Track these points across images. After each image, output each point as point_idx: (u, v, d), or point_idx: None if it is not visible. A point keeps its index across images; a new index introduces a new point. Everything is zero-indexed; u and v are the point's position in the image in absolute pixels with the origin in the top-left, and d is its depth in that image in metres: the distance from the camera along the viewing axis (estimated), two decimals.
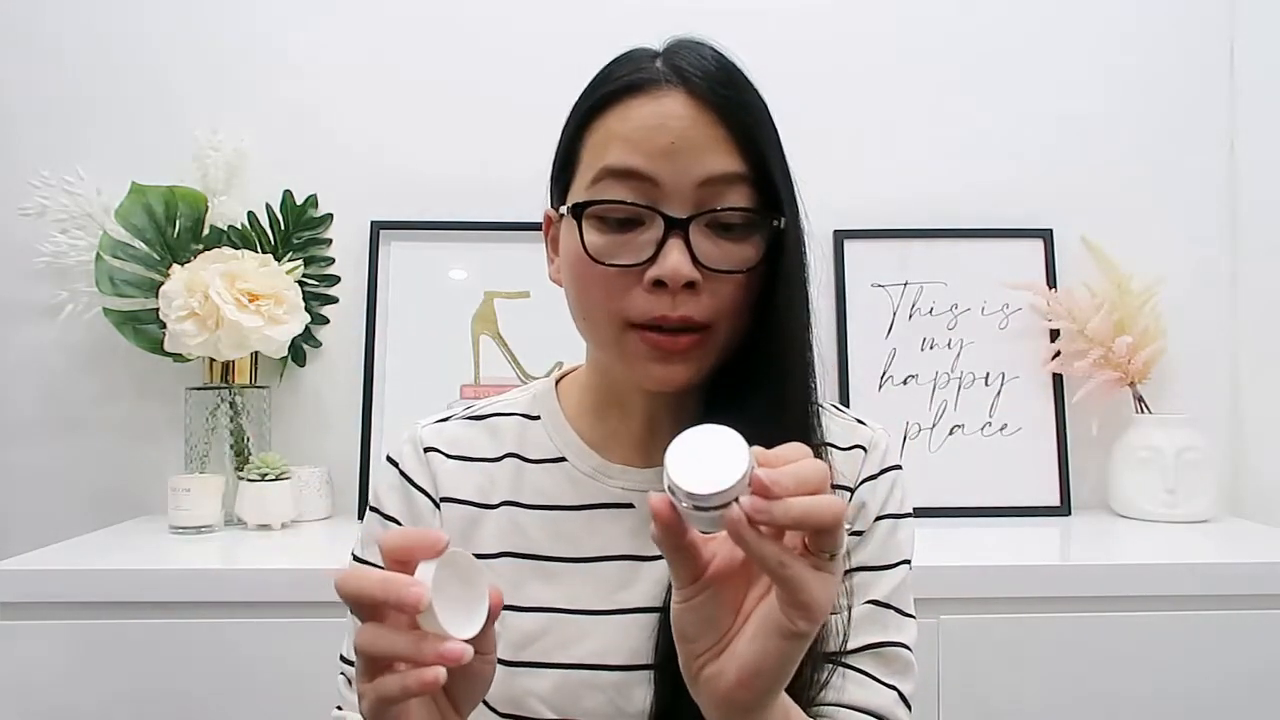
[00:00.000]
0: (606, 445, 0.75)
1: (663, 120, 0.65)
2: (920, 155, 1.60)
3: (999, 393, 1.54)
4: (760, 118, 0.68)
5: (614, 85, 0.68)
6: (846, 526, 0.73)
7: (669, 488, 0.50)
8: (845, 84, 1.60)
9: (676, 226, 0.65)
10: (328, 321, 1.57)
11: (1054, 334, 1.54)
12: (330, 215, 1.58)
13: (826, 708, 0.68)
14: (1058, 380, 1.54)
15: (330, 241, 1.58)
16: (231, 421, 1.48)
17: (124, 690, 1.13)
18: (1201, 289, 1.58)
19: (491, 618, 0.55)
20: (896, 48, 1.61)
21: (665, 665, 0.64)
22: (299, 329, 1.44)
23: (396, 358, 1.54)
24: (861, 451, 0.76)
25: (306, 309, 1.47)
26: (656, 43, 0.70)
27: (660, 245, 0.65)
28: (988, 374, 1.54)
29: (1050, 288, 1.54)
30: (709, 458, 0.48)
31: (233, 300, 1.36)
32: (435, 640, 0.51)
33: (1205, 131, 1.60)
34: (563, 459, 0.76)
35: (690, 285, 0.65)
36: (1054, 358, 1.54)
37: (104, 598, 1.13)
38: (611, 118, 0.67)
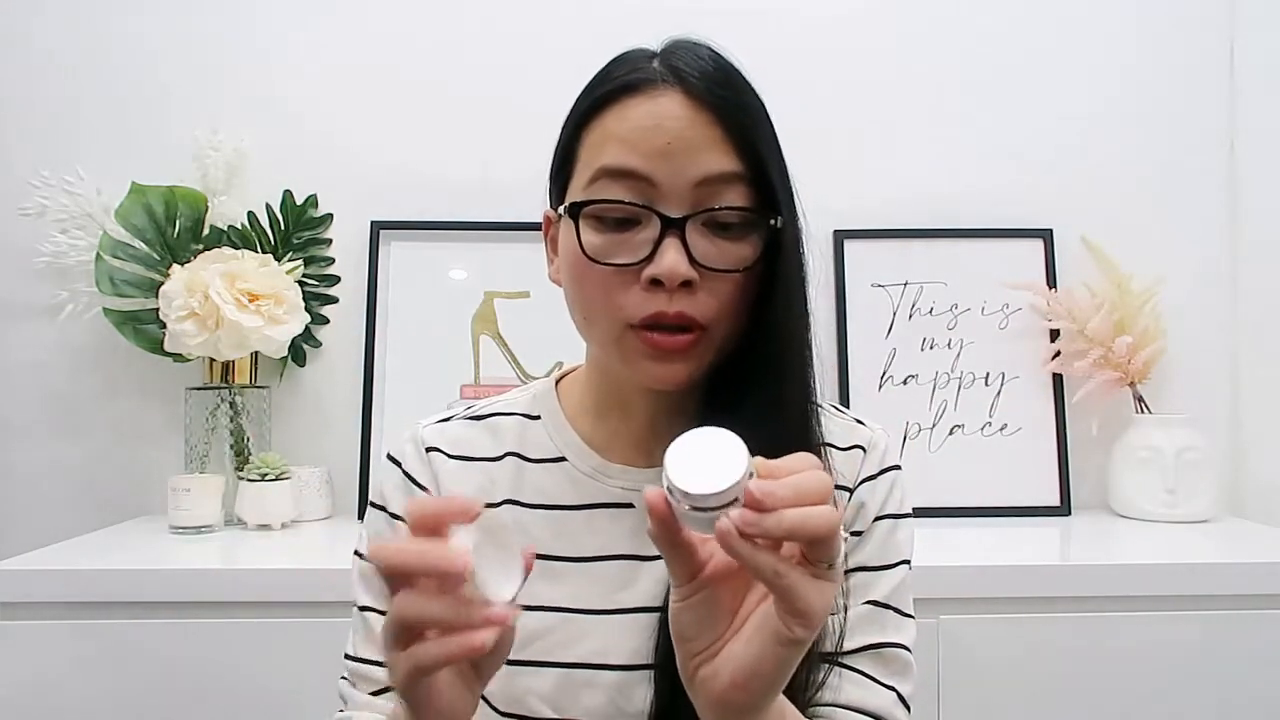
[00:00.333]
0: (607, 445, 0.76)
1: (659, 120, 0.65)
2: (920, 155, 1.60)
3: (999, 393, 1.54)
4: (757, 117, 0.69)
5: (611, 85, 0.68)
6: (844, 534, 0.74)
7: (666, 486, 0.50)
8: (845, 84, 1.60)
9: (673, 226, 0.65)
10: (328, 321, 1.57)
11: (1054, 334, 1.54)
12: (330, 215, 1.58)
13: (825, 708, 0.68)
14: (1058, 380, 1.54)
15: (330, 241, 1.58)
16: (231, 421, 1.48)
17: (124, 690, 1.13)
18: (1201, 289, 1.58)
19: (525, 576, 0.54)
20: (897, 48, 1.61)
21: (665, 665, 0.64)
22: (299, 329, 1.44)
23: (396, 358, 1.54)
24: (861, 451, 0.76)
25: (306, 309, 1.47)
26: (655, 43, 0.71)
27: (657, 244, 0.65)
28: (988, 374, 1.54)
29: (1050, 288, 1.54)
30: (708, 460, 0.49)
31: (233, 300, 1.36)
32: (480, 605, 0.50)
33: (1205, 131, 1.60)
34: (563, 459, 0.76)
35: (687, 284, 0.65)
36: (1054, 358, 1.54)
37: (104, 598, 1.14)
38: (609, 118, 0.68)
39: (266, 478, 1.38)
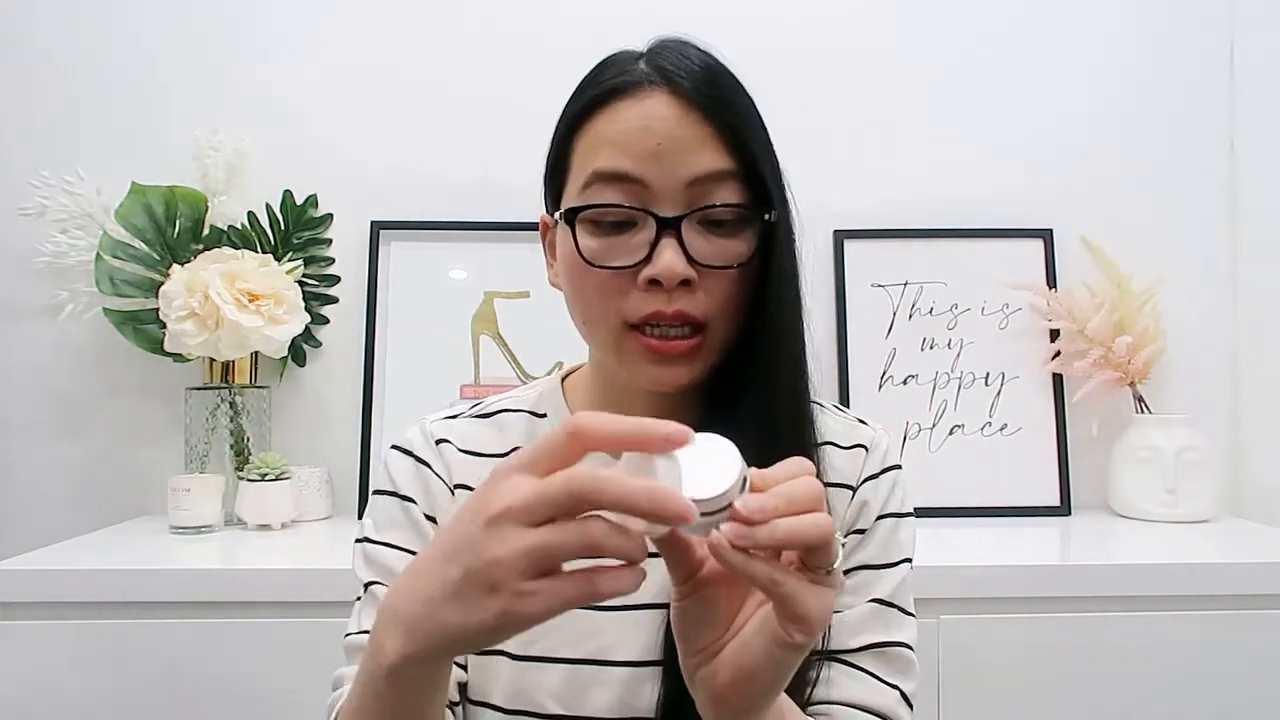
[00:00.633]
0: None
1: (648, 122, 0.66)
2: (920, 155, 1.60)
3: (999, 393, 1.54)
4: (746, 114, 0.69)
5: (599, 89, 0.68)
6: (842, 536, 0.74)
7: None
8: (845, 85, 1.60)
9: (668, 226, 0.66)
10: (328, 321, 1.57)
11: (1054, 334, 1.55)
12: (330, 215, 1.58)
13: (828, 705, 0.69)
14: (1058, 380, 1.54)
15: (330, 241, 1.58)
16: (231, 421, 1.48)
17: (124, 690, 1.13)
18: (1201, 289, 1.59)
19: None
20: (897, 49, 1.61)
21: (673, 662, 0.64)
22: (299, 329, 1.44)
23: (396, 358, 1.54)
24: (863, 451, 0.76)
25: (306, 309, 1.47)
26: (642, 44, 0.71)
27: (653, 245, 0.66)
28: (988, 374, 1.54)
29: (1050, 288, 1.54)
30: (700, 466, 0.48)
31: (233, 300, 1.36)
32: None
33: (1205, 131, 1.60)
34: None
35: (685, 283, 0.66)
36: (1054, 358, 1.54)
37: (104, 598, 1.14)
38: (599, 121, 0.68)
39: (266, 478, 1.38)
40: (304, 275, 1.53)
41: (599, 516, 0.45)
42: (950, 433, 1.53)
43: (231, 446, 1.48)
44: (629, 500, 0.44)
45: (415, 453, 0.77)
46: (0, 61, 1.57)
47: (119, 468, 1.55)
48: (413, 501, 0.75)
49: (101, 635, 1.13)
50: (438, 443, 0.77)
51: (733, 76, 0.70)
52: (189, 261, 1.43)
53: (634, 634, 0.71)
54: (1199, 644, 1.15)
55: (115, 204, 1.48)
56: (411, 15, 1.59)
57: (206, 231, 1.52)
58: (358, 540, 0.76)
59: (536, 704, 0.70)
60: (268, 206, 1.55)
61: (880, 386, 1.54)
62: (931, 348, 1.55)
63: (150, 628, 1.13)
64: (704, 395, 0.72)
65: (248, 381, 1.49)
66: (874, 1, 1.61)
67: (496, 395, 0.82)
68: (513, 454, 0.47)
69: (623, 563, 0.45)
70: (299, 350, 1.55)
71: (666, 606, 0.69)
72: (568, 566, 0.46)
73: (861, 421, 0.79)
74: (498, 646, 0.72)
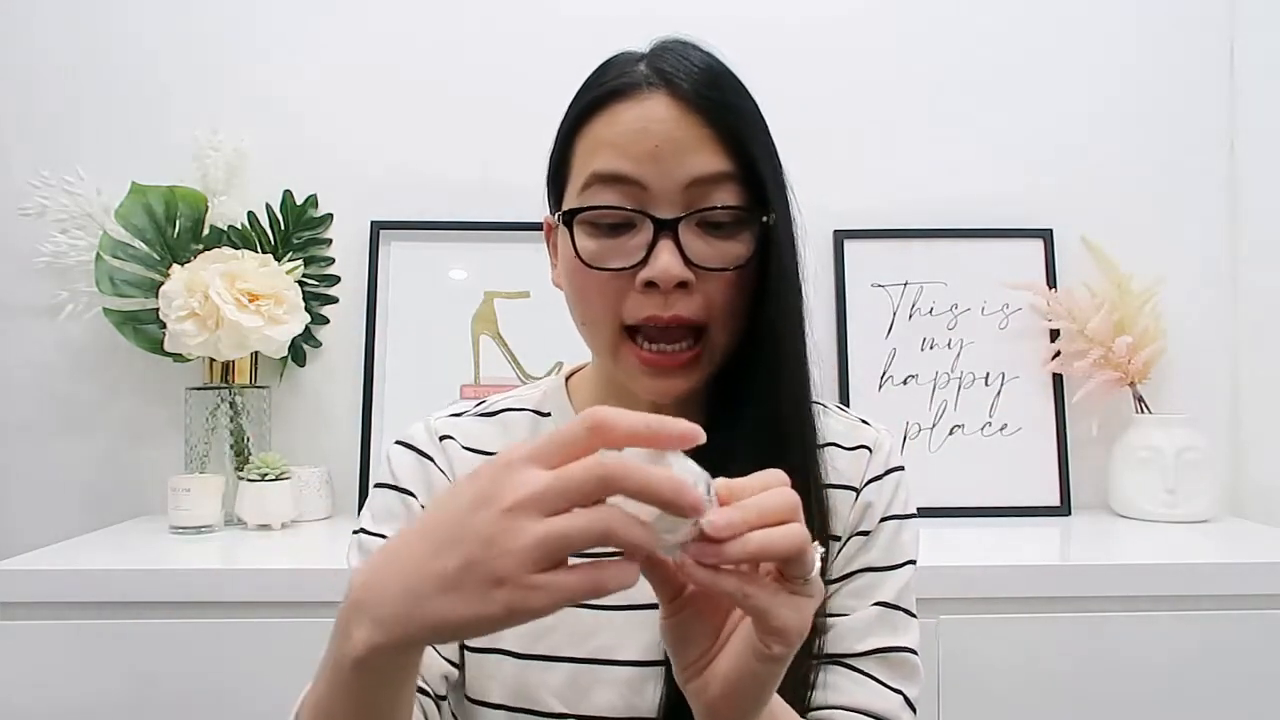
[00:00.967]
0: None
1: (646, 124, 0.66)
2: (920, 155, 1.60)
3: (999, 393, 1.54)
4: (745, 115, 0.69)
5: (599, 91, 0.69)
6: (828, 546, 0.74)
7: None
8: (845, 85, 1.60)
9: (666, 228, 0.66)
10: (328, 321, 1.57)
11: (1054, 334, 1.54)
12: (330, 215, 1.58)
13: (833, 711, 0.69)
14: (1058, 380, 1.54)
15: (330, 241, 1.58)
16: (231, 421, 1.48)
17: (124, 690, 1.13)
18: (1201, 289, 1.58)
19: None
20: (897, 49, 1.61)
21: None
22: (299, 329, 1.44)
23: (396, 358, 1.54)
24: (866, 452, 0.76)
25: (306, 309, 1.47)
26: (644, 45, 0.71)
27: (651, 247, 0.66)
28: (988, 374, 1.54)
29: (1050, 288, 1.54)
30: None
31: (233, 300, 1.36)
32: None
33: (1205, 131, 1.60)
34: None
35: (683, 285, 0.66)
36: (1054, 358, 1.54)
37: (104, 598, 1.13)
38: (598, 124, 0.68)
39: (266, 478, 1.38)
40: (304, 275, 1.53)
41: (614, 506, 0.44)
42: (950, 433, 1.53)
43: (231, 446, 1.48)
44: (653, 487, 0.44)
45: (419, 447, 0.77)
46: (0, 61, 1.57)
47: (119, 468, 1.55)
48: (412, 495, 0.75)
49: (101, 635, 1.13)
50: (442, 439, 0.77)
51: (734, 78, 0.70)
52: (189, 261, 1.43)
53: (637, 634, 0.71)
54: (1199, 644, 1.15)
55: (115, 204, 1.48)
56: (411, 15, 1.59)
57: (206, 231, 1.52)
58: (355, 531, 0.77)
59: (539, 703, 0.70)
60: (268, 206, 1.55)
61: (880, 386, 1.54)
62: (931, 348, 1.55)
63: (150, 628, 1.13)
64: (706, 397, 0.72)
65: (248, 381, 1.49)
66: (874, 2, 1.61)
67: (500, 394, 0.82)
68: (515, 446, 0.46)
69: (619, 558, 0.45)
70: (299, 350, 1.55)
71: None
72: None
73: (864, 422, 0.79)
74: (500, 646, 0.72)
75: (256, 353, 1.46)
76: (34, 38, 1.57)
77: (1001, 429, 1.53)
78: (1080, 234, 1.58)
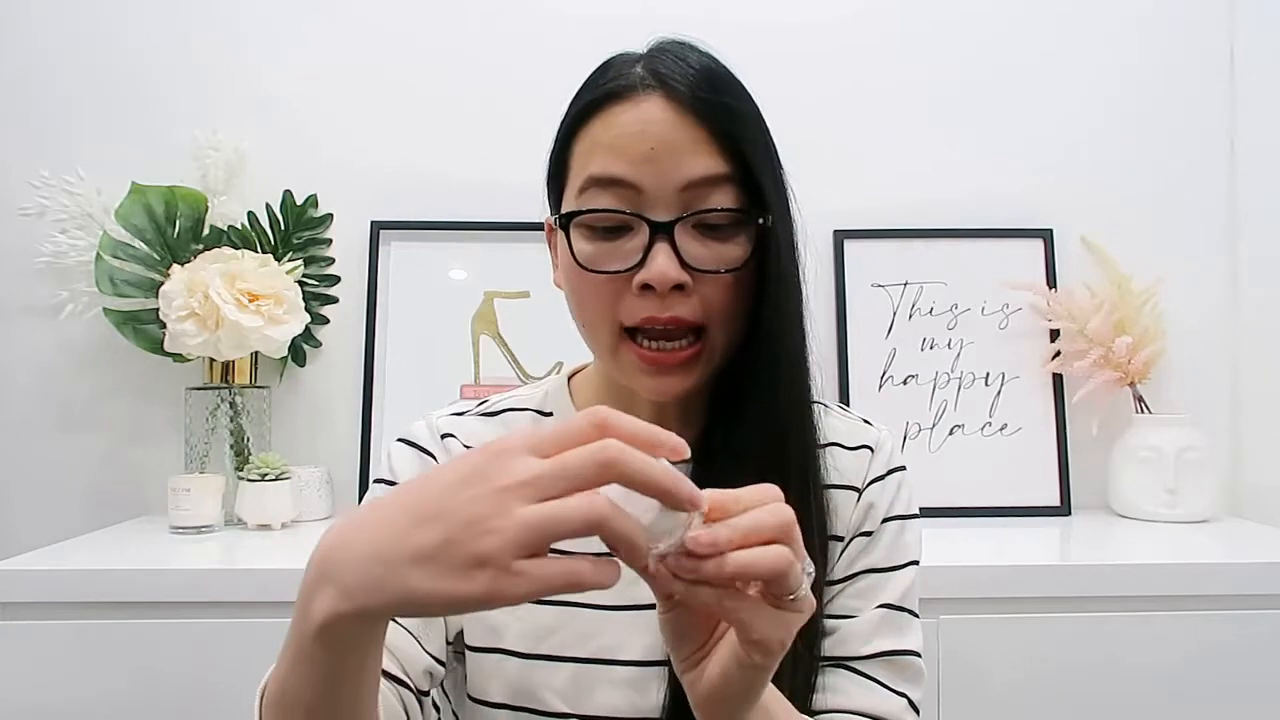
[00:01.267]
0: None
1: (643, 126, 0.66)
2: (920, 155, 1.60)
3: (999, 393, 1.54)
4: (743, 117, 0.68)
5: (596, 93, 0.69)
6: (844, 535, 0.74)
7: None
8: (846, 85, 1.60)
9: (662, 230, 0.66)
10: (328, 321, 1.57)
11: (1054, 334, 1.54)
12: (330, 215, 1.58)
13: (836, 714, 0.69)
14: (1058, 380, 1.54)
15: (330, 241, 1.58)
16: (231, 421, 1.48)
17: (124, 690, 1.13)
18: (1201, 289, 1.58)
19: None
20: (897, 49, 1.61)
21: None
22: (299, 329, 1.44)
23: (396, 358, 1.54)
24: (869, 452, 0.76)
25: (306, 309, 1.47)
26: (642, 46, 0.71)
27: (647, 250, 0.66)
28: (988, 374, 1.54)
29: (1050, 288, 1.54)
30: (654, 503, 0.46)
31: (233, 300, 1.36)
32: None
33: (1205, 131, 1.60)
34: None
35: (680, 287, 0.66)
36: (1054, 358, 1.54)
37: (104, 598, 1.13)
38: (595, 126, 0.68)
39: (266, 478, 1.38)
40: (304, 275, 1.53)
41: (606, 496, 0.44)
42: (950, 433, 1.53)
43: (231, 446, 1.48)
44: (653, 475, 0.44)
45: (420, 444, 0.77)
46: (0, 61, 1.57)
47: (119, 468, 1.55)
48: None
49: (101, 635, 1.13)
50: (443, 437, 0.77)
51: (733, 79, 0.70)
52: (189, 261, 1.43)
53: (639, 634, 0.71)
54: (1199, 644, 1.15)
55: (115, 204, 1.48)
56: (412, 15, 1.59)
57: (206, 231, 1.52)
58: None
59: (543, 702, 0.70)
60: (268, 206, 1.55)
61: (880, 387, 1.54)
62: (931, 348, 1.55)
63: (150, 628, 1.13)
64: (708, 397, 0.72)
65: (248, 381, 1.49)
66: (875, 3, 1.61)
67: (502, 394, 0.82)
68: (511, 435, 0.45)
69: (603, 556, 0.45)
70: (299, 350, 1.55)
71: None
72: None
73: (866, 422, 0.79)
74: (502, 645, 0.72)
75: (256, 353, 1.46)
76: (34, 38, 1.57)
77: (1001, 429, 1.53)
78: (1080, 234, 1.58)
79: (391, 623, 0.67)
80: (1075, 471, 1.52)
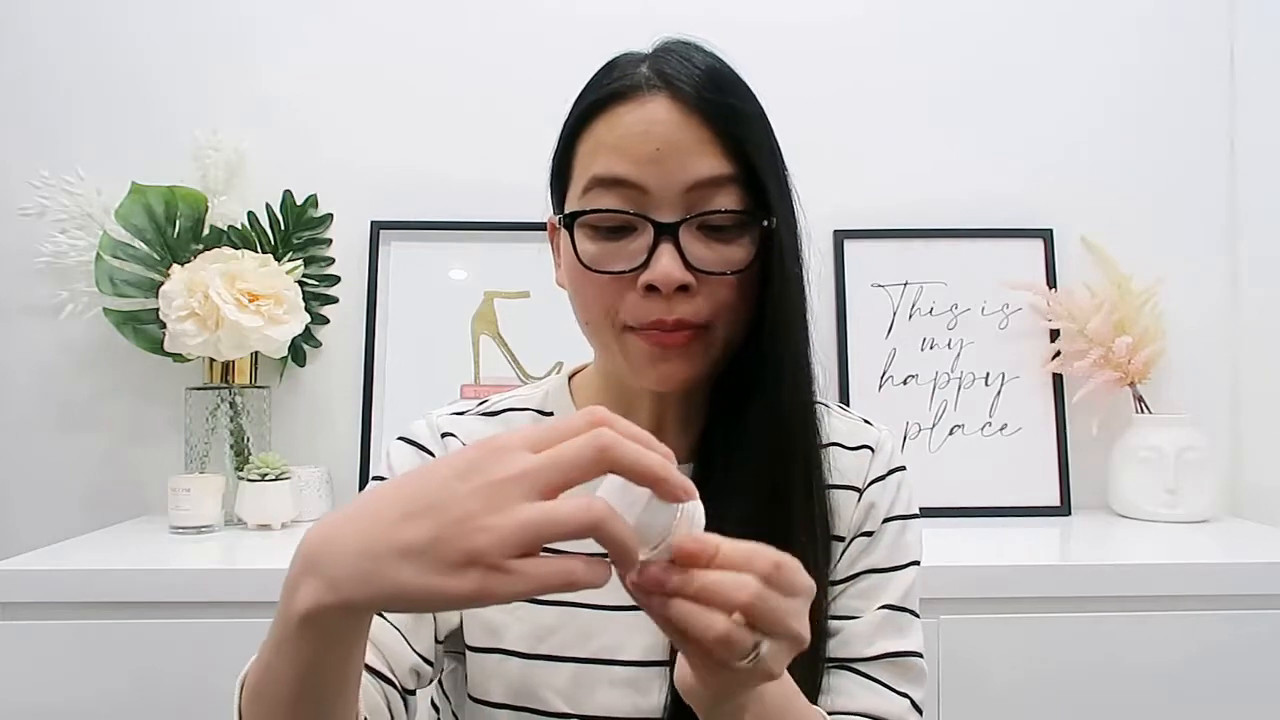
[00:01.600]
0: None
1: (648, 126, 0.66)
2: (920, 155, 1.60)
3: (999, 393, 1.54)
4: (747, 118, 0.68)
5: (601, 93, 0.68)
6: (845, 535, 0.74)
7: None
8: (846, 85, 1.60)
9: (666, 231, 0.66)
10: (328, 321, 1.57)
11: (1054, 334, 1.54)
12: (330, 215, 1.58)
13: (842, 716, 0.69)
14: (1058, 380, 1.54)
15: (330, 241, 1.58)
16: (231, 421, 1.48)
17: (124, 690, 1.13)
18: (1201, 289, 1.58)
19: None
20: (898, 49, 1.61)
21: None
22: (299, 329, 1.44)
23: (396, 358, 1.54)
24: (869, 452, 0.77)
25: (306, 309, 1.47)
26: (647, 46, 0.71)
27: (651, 251, 0.66)
28: (988, 374, 1.54)
29: (1050, 288, 1.54)
30: (642, 501, 0.46)
31: (233, 300, 1.36)
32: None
33: (1205, 131, 1.60)
34: None
35: (684, 288, 0.66)
36: (1054, 358, 1.54)
37: (104, 598, 1.14)
38: (600, 126, 0.68)
39: (266, 478, 1.38)
40: (304, 275, 1.53)
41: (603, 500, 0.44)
42: (950, 433, 1.53)
43: (231, 446, 1.48)
44: (647, 465, 0.44)
45: (420, 443, 0.77)
46: (0, 61, 1.57)
47: (119, 468, 1.55)
48: None
49: (101, 635, 1.13)
50: (443, 435, 0.77)
51: (738, 80, 0.69)
52: (189, 261, 1.43)
53: (639, 634, 0.71)
54: (1199, 644, 1.15)
55: (115, 204, 1.48)
56: (412, 15, 1.59)
57: (206, 231, 1.52)
58: None
59: (544, 702, 0.70)
60: (268, 206, 1.55)
61: (880, 386, 1.54)
62: (931, 348, 1.55)
63: (150, 628, 1.13)
64: (710, 396, 0.72)
65: (248, 381, 1.49)
66: (875, 3, 1.61)
67: (503, 394, 0.82)
68: (508, 432, 0.45)
69: (594, 558, 0.44)
70: (299, 350, 1.55)
71: None
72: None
73: (867, 422, 0.79)
74: (503, 645, 0.72)
75: (256, 353, 1.46)
76: (34, 38, 1.57)
77: (1001, 429, 1.53)
78: (1080, 234, 1.58)
79: (380, 619, 0.67)
80: (1075, 471, 1.52)
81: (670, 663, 0.68)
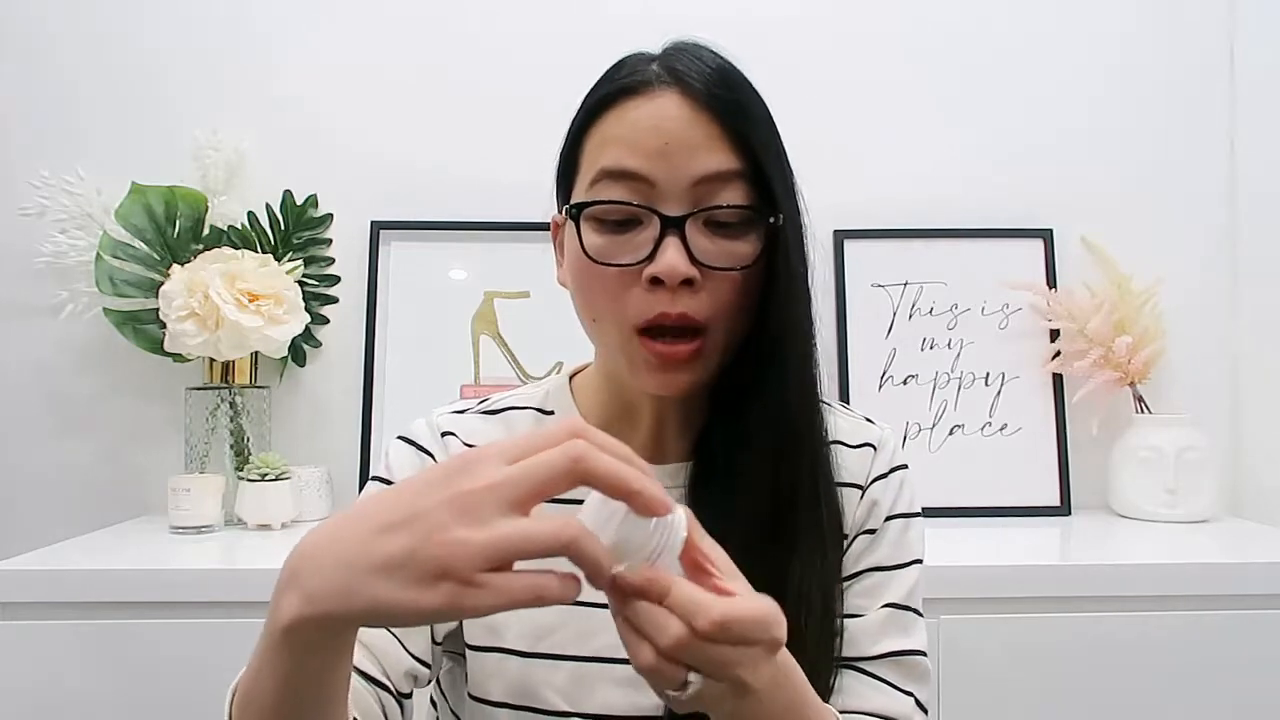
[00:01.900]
0: None
1: (657, 121, 0.66)
2: (920, 155, 1.60)
3: (999, 393, 1.54)
4: (756, 116, 0.69)
5: (611, 88, 0.69)
6: (848, 533, 0.74)
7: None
8: (846, 84, 1.60)
9: (673, 225, 0.66)
10: (328, 321, 1.57)
11: (1054, 334, 1.55)
12: (330, 215, 1.58)
13: (848, 715, 0.69)
14: (1058, 380, 1.54)
15: (330, 241, 1.58)
16: (231, 421, 1.48)
17: (124, 690, 1.13)
18: (1201, 289, 1.58)
19: None
20: (898, 49, 1.61)
21: None
22: (299, 329, 1.44)
23: (396, 358, 1.54)
24: (871, 450, 0.77)
25: (306, 309, 1.47)
26: (656, 46, 0.71)
27: (657, 244, 0.66)
28: (988, 374, 1.54)
29: (1050, 288, 1.54)
30: (620, 514, 0.46)
31: (233, 300, 1.36)
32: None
33: (1205, 131, 1.60)
34: None
35: (689, 283, 0.66)
36: (1054, 358, 1.54)
37: (104, 598, 1.13)
38: (609, 120, 0.68)
39: (266, 478, 1.38)
40: (304, 275, 1.53)
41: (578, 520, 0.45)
42: (950, 433, 1.53)
43: (231, 446, 1.48)
44: (622, 478, 0.44)
45: (419, 442, 0.77)
46: (1, 61, 1.57)
47: (119, 468, 1.55)
48: None
49: (101, 635, 1.13)
50: (443, 435, 0.77)
51: (746, 81, 0.70)
52: (189, 261, 1.43)
53: None
54: (1199, 644, 1.15)
55: (115, 204, 1.48)
56: (412, 15, 1.59)
57: (206, 231, 1.52)
58: None
59: (543, 701, 0.70)
60: (268, 206, 1.55)
61: (880, 386, 1.54)
62: (931, 348, 1.55)
63: (150, 628, 1.13)
64: (711, 396, 0.72)
65: (248, 381, 1.49)
66: (875, 2, 1.61)
67: (503, 393, 0.82)
68: (488, 445, 0.46)
69: (566, 574, 0.45)
70: (299, 350, 1.55)
71: None
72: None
73: (869, 420, 0.79)
74: (503, 644, 0.72)
75: (256, 353, 1.46)
76: (34, 38, 1.57)
77: (1001, 429, 1.53)
78: (1080, 234, 1.58)
79: None
80: (1075, 471, 1.52)
81: None
